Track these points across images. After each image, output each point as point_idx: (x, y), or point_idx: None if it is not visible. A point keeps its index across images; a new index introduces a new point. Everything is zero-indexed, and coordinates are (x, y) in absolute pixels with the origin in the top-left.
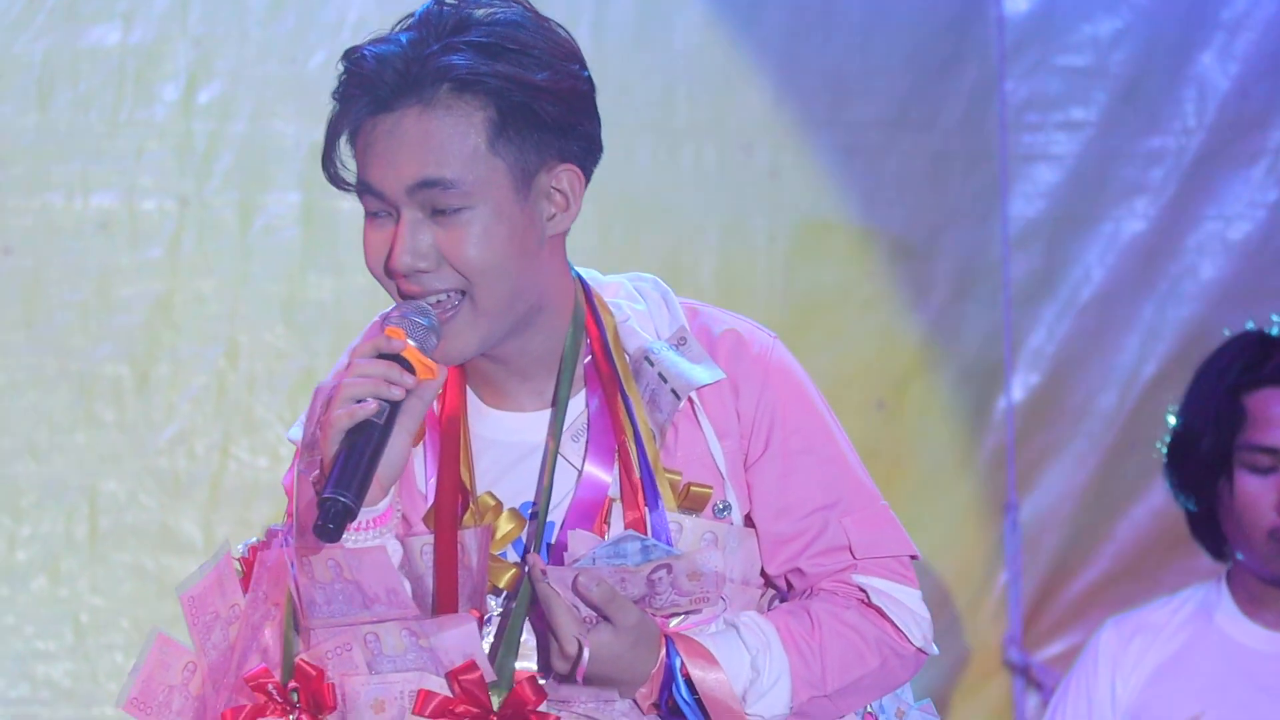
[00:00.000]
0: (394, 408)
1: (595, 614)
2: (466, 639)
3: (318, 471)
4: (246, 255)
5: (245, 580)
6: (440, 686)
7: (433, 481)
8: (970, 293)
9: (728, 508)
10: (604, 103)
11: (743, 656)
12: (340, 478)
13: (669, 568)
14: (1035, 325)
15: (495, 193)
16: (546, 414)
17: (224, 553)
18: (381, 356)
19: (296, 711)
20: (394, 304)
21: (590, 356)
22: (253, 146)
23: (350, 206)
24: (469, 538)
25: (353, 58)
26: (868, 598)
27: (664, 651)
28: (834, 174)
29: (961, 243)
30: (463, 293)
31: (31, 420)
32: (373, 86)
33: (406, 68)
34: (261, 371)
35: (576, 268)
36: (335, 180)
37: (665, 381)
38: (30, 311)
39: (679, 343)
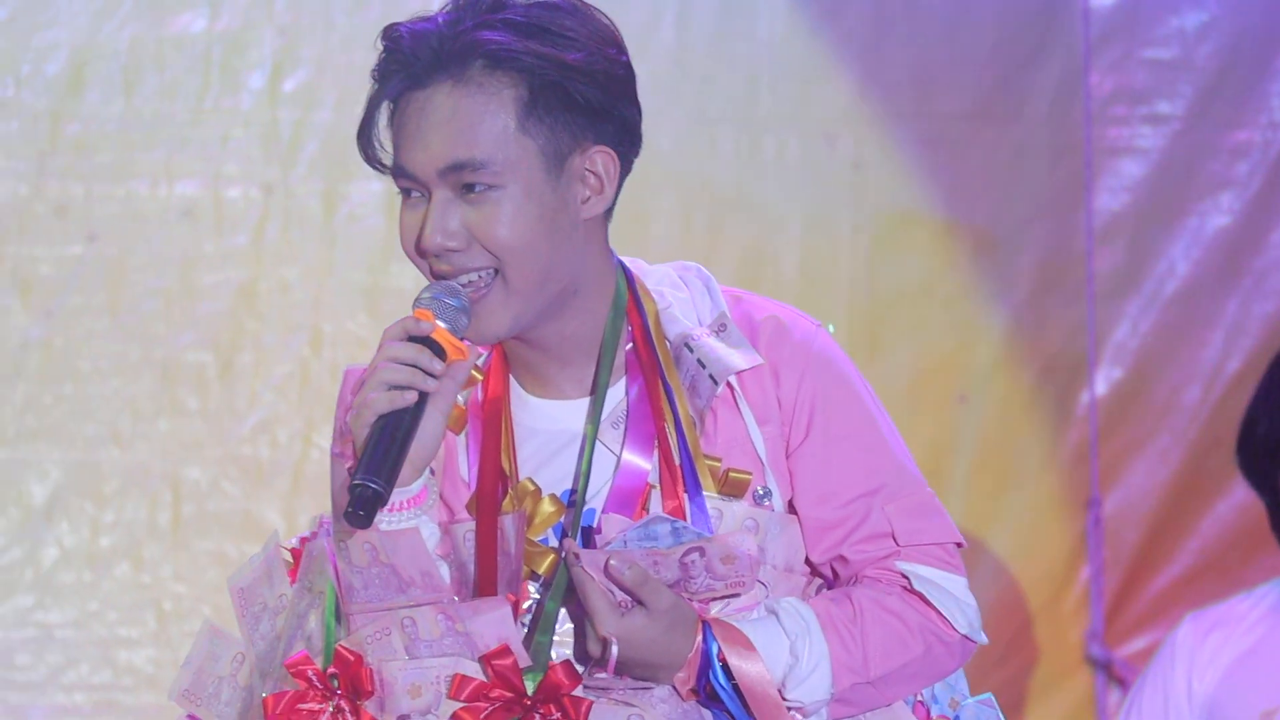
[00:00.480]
0: (422, 396)
1: (630, 598)
2: (501, 623)
3: (352, 462)
4: (330, 243)
5: (294, 571)
6: (476, 671)
7: (475, 470)
8: (1054, 287)
9: (768, 494)
10: (687, 94)
11: (781, 642)
12: (371, 463)
13: (701, 551)
14: (1119, 320)
15: (525, 172)
16: (577, 403)
17: (273, 543)
18: (410, 339)
19: (336, 697)
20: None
21: (631, 344)
22: (337, 135)
23: None
24: (507, 523)
25: (390, 35)
26: (910, 584)
27: (701, 637)
28: (917, 166)
29: (1045, 236)
30: (495, 271)
31: (115, 407)
32: (407, 63)
33: (440, 44)
34: (344, 359)
35: (621, 256)
36: (370, 159)
37: (704, 367)
38: (115, 299)
39: (719, 329)
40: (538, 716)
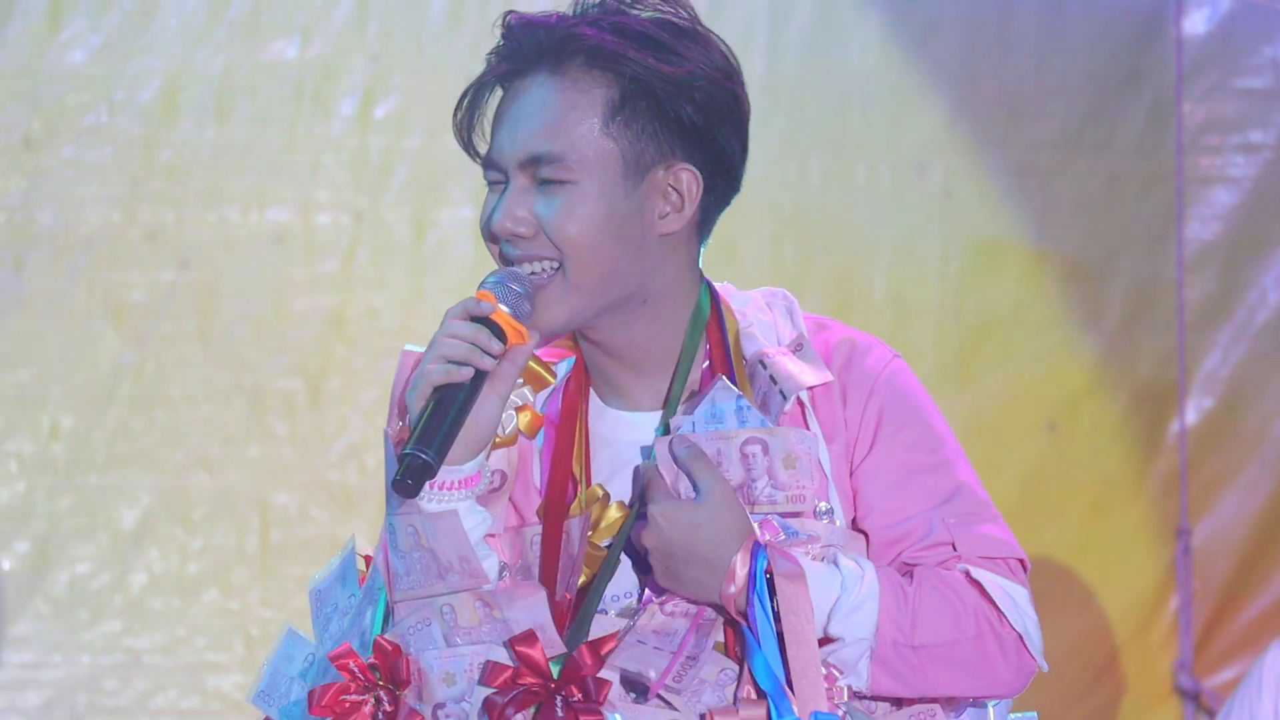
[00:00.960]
0: (478, 374)
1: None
2: (535, 609)
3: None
4: (419, 270)
5: (364, 578)
6: (506, 658)
7: (547, 476)
8: (1144, 315)
9: (830, 511)
10: (778, 121)
11: (833, 577)
12: (423, 434)
13: (764, 445)
14: (1210, 349)
15: (601, 173)
16: (647, 415)
17: (350, 547)
18: (471, 319)
19: (376, 688)
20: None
21: (708, 360)
22: (427, 162)
23: None
24: (573, 526)
25: (505, 23)
26: (968, 575)
27: (750, 551)
28: (1008, 195)
29: (1136, 265)
30: (558, 265)
31: (205, 433)
32: (513, 51)
33: (546, 35)
34: None
35: (713, 280)
36: (465, 144)
37: (775, 383)
38: (206, 325)
39: (796, 348)
40: (559, 698)
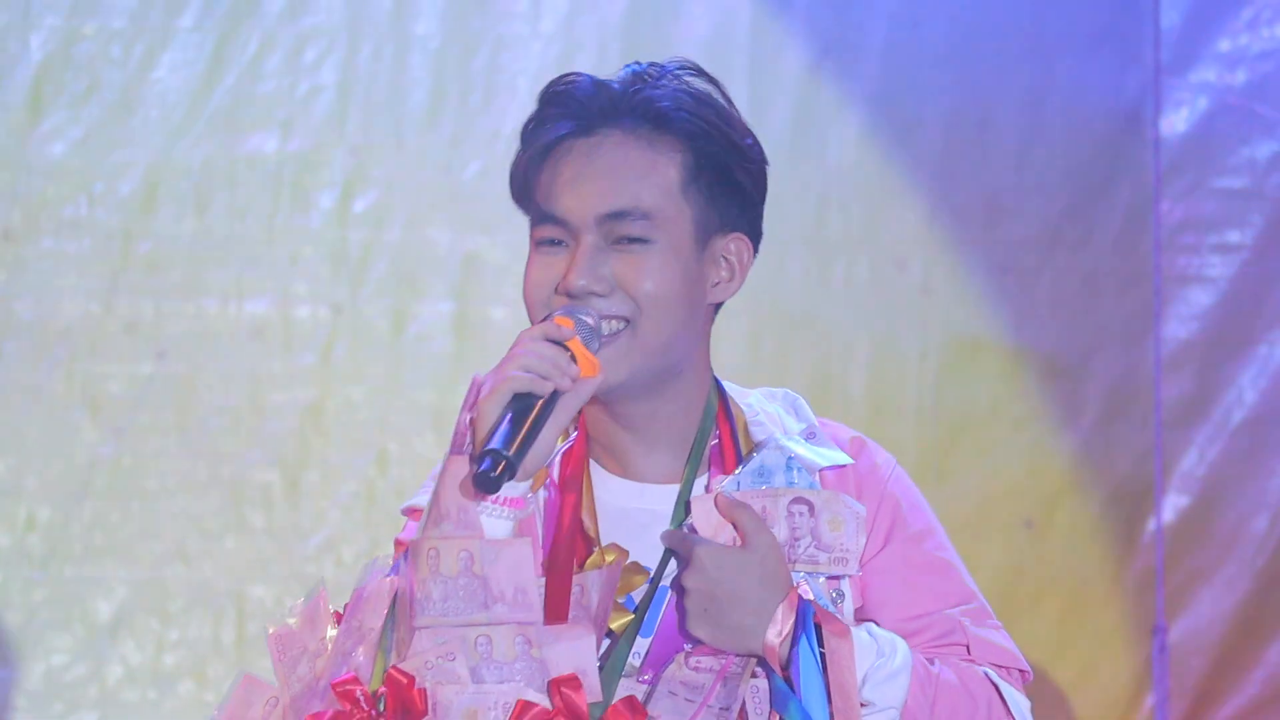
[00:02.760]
0: (554, 393)
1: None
2: (581, 654)
3: (471, 450)
4: (398, 363)
5: (338, 616)
6: (540, 700)
7: (551, 530)
8: (1121, 414)
9: (841, 596)
10: None
11: (870, 643)
12: (508, 434)
13: (810, 507)
14: (1187, 448)
15: (677, 235)
16: (665, 488)
17: (319, 590)
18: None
19: (381, 718)
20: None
21: (717, 440)
22: (406, 255)
23: (502, 315)
24: (591, 579)
25: (562, 80)
26: (988, 676)
27: (796, 599)
28: (986, 292)
29: (1113, 364)
30: (627, 320)
31: (182, 525)
32: (580, 107)
33: (615, 98)
34: (411, 480)
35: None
36: (526, 199)
37: (791, 460)
38: (183, 416)
39: (809, 436)
40: None
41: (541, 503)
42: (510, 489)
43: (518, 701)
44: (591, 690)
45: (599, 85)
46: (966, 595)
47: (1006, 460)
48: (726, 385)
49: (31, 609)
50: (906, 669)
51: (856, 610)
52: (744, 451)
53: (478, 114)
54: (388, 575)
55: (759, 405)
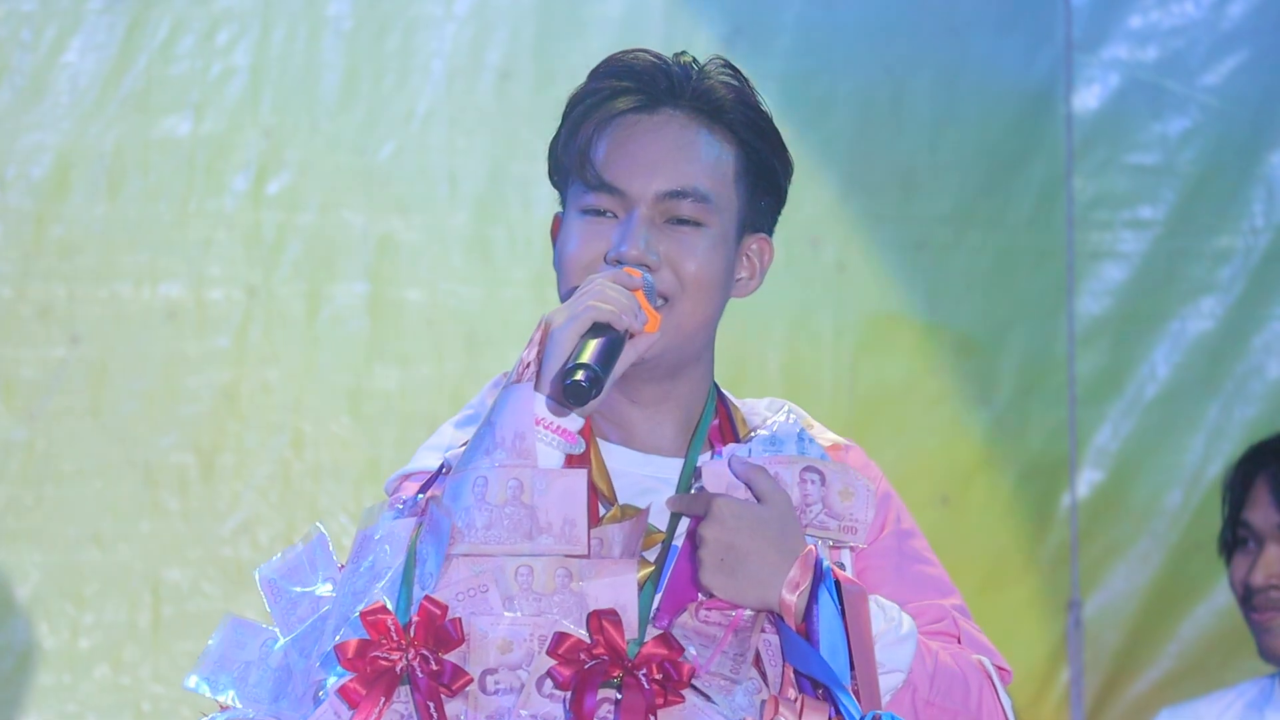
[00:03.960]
0: (624, 335)
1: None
2: (622, 588)
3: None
4: (313, 345)
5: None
6: (578, 633)
7: None
8: (1035, 390)
9: (841, 568)
10: None
11: (878, 607)
12: (599, 353)
13: (822, 476)
14: (1100, 423)
15: (725, 222)
16: (669, 460)
17: (316, 533)
18: None
19: (412, 647)
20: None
21: (717, 421)
22: (321, 237)
23: (417, 297)
24: (611, 532)
25: (625, 55)
26: (982, 664)
27: (813, 554)
28: (901, 269)
29: (1027, 339)
30: (666, 299)
31: (96, 509)
32: (644, 83)
33: (677, 79)
34: (327, 461)
35: None
36: (581, 170)
37: (798, 430)
38: (97, 400)
39: (807, 425)
40: (641, 675)
41: None
42: (571, 420)
43: (555, 632)
44: (630, 626)
45: (659, 65)
46: (953, 590)
47: (921, 437)
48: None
49: None
50: (913, 637)
51: None
52: (741, 434)
53: (391, 95)
54: (397, 519)
55: (750, 403)
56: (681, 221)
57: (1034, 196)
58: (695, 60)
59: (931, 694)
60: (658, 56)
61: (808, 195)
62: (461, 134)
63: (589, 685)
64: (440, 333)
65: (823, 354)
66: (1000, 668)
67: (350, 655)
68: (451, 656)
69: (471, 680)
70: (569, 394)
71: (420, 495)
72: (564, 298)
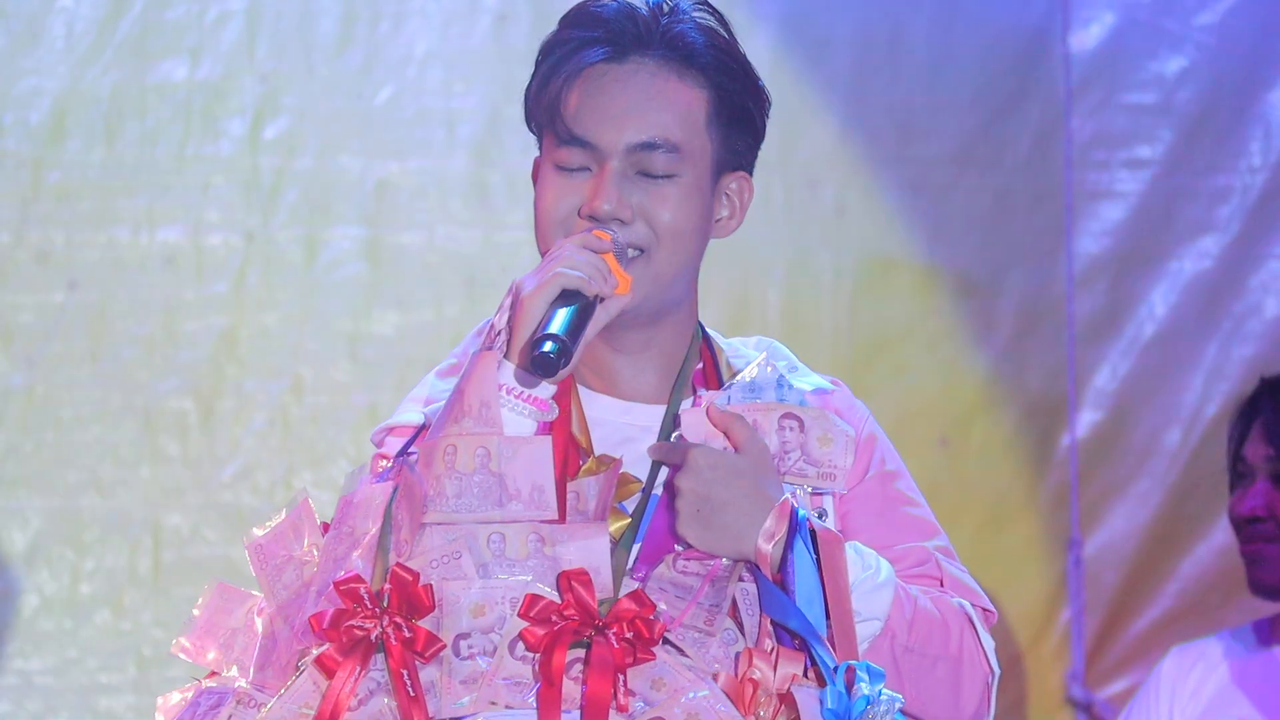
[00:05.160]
0: (595, 300)
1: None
2: (594, 552)
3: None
4: (311, 290)
5: (325, 527)
6: (549, 594)
7: None
8: (1034, 330)
9: (823, 515)
10: None
11: (856, 556)
12: (567, 322)
13: (800, 422)
14: (1099, 363)
15: (697, 170)
16: (651, 408)
17: (302, 499)
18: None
19: (386, 615)
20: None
21: (701, 366)
22: (318, 182)
23: (414, 241)
24: (587, 485)
25: (588, 9)
26: (962, 607)
27: (788, 505)
28: (899, 211)
29: (1026, 280)
30: (642, 250)
31: (96, 454)
32: (612, 32)
33: (647, 26)
34: (326, 406)
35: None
36: (542, 113)
37: (780, 379)
38: (96, 346)
39: (790, 370)
40: (610, 634)
41: None
42: (542, 388)
43: (526, 595)
44: (603, 587)
45: (628, 12)
46: (937, 532)
47: (921, 378)
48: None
49: None
50: (891, 584)
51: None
52: (725, 378)
53: (388, 40)
54: (377, 482)
55: (737, 344)
56: (654, 173)
57: (1032, 137)
58: (665, 1)
59: (910, 640)
60: (626, 2)
61: (806, 137)
62: (459, 77)
63: (558, 645)
64: (439, 276)
65: (822, 296)
66: (984, 609)
67: (325, 625)
68: (425, 623)
69: (445, 646)
70: (537, 365)
71: (399, 456)
72: (540, 250)
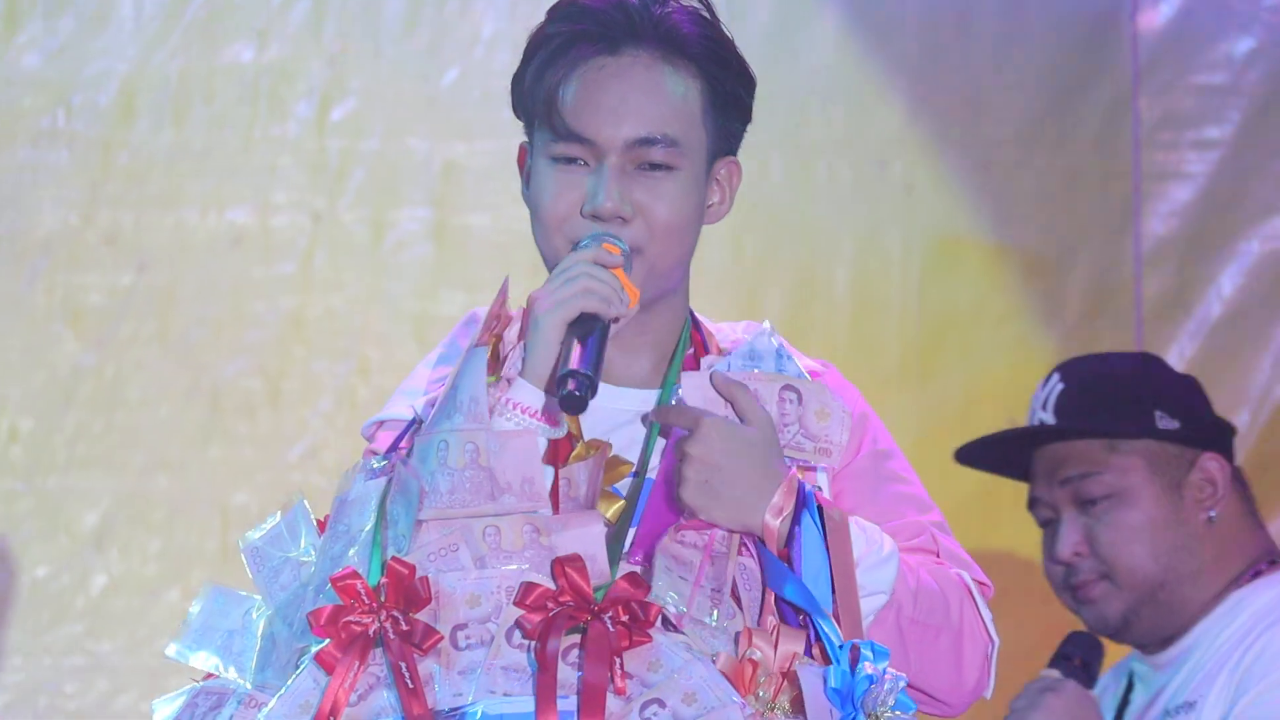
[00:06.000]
0: (609, 325)
1: None
2: (590, 540)
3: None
4: (378, 271)
5: (323, 525)
6: (544, 582)
7: None
8: (1102, 311)
9: (818, 490)
10: None
11: (859, 529)
12: (591, 357)
13: (799, 395)
14: (1167, 344)
15: (694, 162)
16: (644, 392)
17: (297, 500)
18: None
19: (383, 609)
20: (588, 240)
21: (693, 348)
22: (385, 163)
23: (481, 222)
24: (577, 471)
25: (576, 2)
26: (962, 578)
27: (796, 479)
28: (968, 190)
29: (1094, 260)
30: (640, 250)
31: (164, 435)
32: (602, 24)
33: (640, 18)
34: (392, 386)
35: None
36: (536, 107)
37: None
38: (164, 327)
39: (779, 354)
40: (607, 619)
41: None
42: (552, 405)
43: (522, 584)
44: (600, 574)
45: (620, 6)
46: (931, 506)
47: (989, 358)
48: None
49: (15, 520)
50: (894, 557)
51: None
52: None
53: (455, 21)
54: (370, 480)
55: (726, 328)
56: (653, 166)
57: (1100, 117)
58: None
59: (915, 611)
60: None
61: (875, 117)
62: None
63: (553, 631)
64: (505, 258)
65: (890, 275)
66: (980, 582)
67: (323, 622)
68: (422, 615)
69: (442, 638)
70: (567, 404)
71: (391, 451)
72: (541, 246)
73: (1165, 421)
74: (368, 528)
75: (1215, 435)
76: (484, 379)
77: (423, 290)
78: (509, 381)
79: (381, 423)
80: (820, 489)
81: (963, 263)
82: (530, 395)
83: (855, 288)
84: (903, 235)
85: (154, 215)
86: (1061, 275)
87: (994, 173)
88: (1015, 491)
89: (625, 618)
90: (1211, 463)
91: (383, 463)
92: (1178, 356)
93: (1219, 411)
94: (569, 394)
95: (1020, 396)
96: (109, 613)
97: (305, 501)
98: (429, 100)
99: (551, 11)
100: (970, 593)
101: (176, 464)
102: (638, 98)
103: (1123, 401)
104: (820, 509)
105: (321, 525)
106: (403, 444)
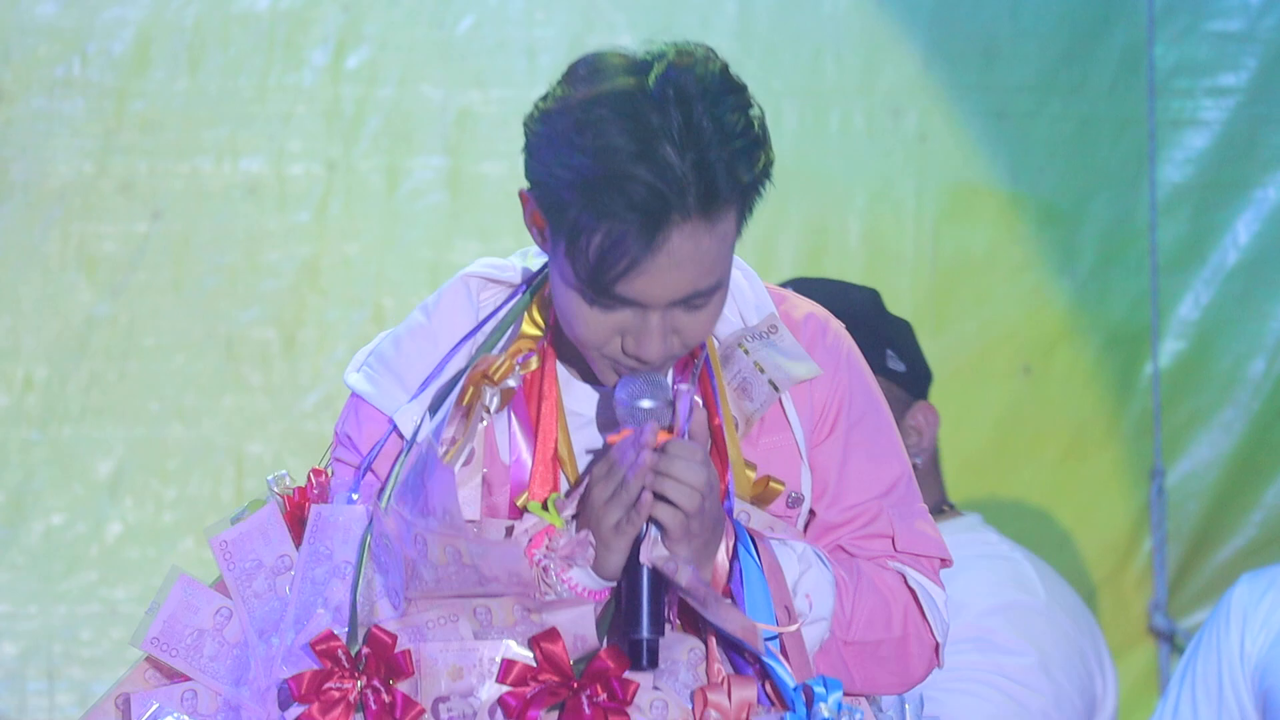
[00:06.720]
0: None
1: None
2: (580, 621)
3: (571, 512)
4: (393, 220)
5: (289, 519)
6: (524, 653)
7: (521, 455)
8: (1117, 258)
9: (800, 500)
10: (750, 68)
11: (792, 555)
12: (653, 614)
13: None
14: (1182, 292)
15: (728, 269)
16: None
17: (270, 502)
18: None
19: (364, 678)
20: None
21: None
22: (400, 111)
23: (496, 170)
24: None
25: (620, 178)
26: (904, 579)
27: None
28: (982, 139)
29: (1109, 208)
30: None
31: (179, 383)
32: (648, 214)
33: (675, 193)
34: None
35: None
36: (585, 278)
37: (763, 372)
38: (179, 275)
39: (770, 330)
40: (584, 698)
41: (508, 423)
42: (586, 578)
43: (503, 660)
44: (590, 650)
45: (656, 189)
46: (898, 477)
47: (1003, 306)
48: None
49: (30, 469)
50: (830, 585)
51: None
52: (711, 358)
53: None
54: (348, 501)
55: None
56: (702, 302)
57: (1115, 64)
58: (701, 118)
59: (854, 632)
60: (653, 169)
61: (890, 66)
62: (540, 7)
63: (529, 708)
64: (520, 206)
65: (904, 224)
66: (942, 559)
67: (303, 690)
68: (403, 686)
69: (424, 711)
70: (637, 657)
71: (366, 470)
72: (572, 341)
73: (894, 362)
74: (350, 559)
75: (927, 383)
76: (455, 496)
77: (437, 239)
78: (559, 559)
79: (349, 436)
80: (802, 498)
81: (977, 211)
82: (594, 582)
83: (869, 237)
84: (916, 184)
85: (169, 164)
86: (1076, 223)
87: (1008, 121)
88: (1027, 442)
89: (603, 695)
90: (927, 411)
91: (357, 496)
92: (1193, 304)
93: (1231, 359)
94: (650, 654)
95: (1035, 345)
96: (124, 561)
97: (277, 509)
98: (444, 48)
99: (587, 187)
100: (914, 598)
101: (191, 413)
102: (684, 269)
103: (859, 335)
104: (753, 539)
105: (289, 520)
106: (373, 464)
